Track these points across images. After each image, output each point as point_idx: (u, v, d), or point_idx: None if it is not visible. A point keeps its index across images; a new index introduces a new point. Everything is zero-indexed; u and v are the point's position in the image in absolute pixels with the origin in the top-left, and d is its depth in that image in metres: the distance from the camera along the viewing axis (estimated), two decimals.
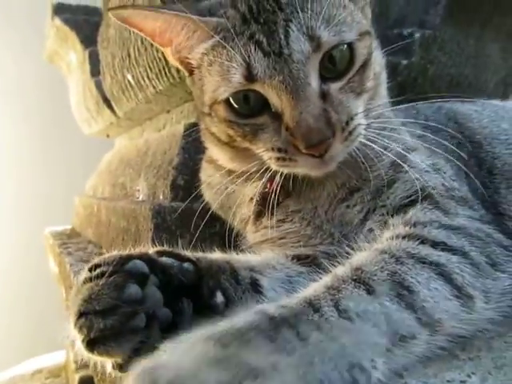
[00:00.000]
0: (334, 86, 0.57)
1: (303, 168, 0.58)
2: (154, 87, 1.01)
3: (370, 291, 0.42)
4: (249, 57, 0.55)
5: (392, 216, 0.58)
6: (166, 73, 0.92)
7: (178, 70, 0.88)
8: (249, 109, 0.58)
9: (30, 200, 2.62)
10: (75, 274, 0.94)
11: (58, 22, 1.56)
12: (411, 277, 0.44)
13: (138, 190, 1.08)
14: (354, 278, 0.44)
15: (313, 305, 0.40)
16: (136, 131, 1.50)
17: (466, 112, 0.80)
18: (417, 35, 1.13)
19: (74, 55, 1.71)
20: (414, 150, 0.65)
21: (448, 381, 0.41)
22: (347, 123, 0.56)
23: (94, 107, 1.57)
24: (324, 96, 0.56)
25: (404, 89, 1.05)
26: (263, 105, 0.57)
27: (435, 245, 0.49)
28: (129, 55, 1.05)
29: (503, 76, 1.40)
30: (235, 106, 0.58)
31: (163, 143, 1.04)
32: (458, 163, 0.64)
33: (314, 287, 0.44)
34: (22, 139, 2.68)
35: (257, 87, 0.56)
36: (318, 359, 0.36)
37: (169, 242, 0.83)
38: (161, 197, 0.90)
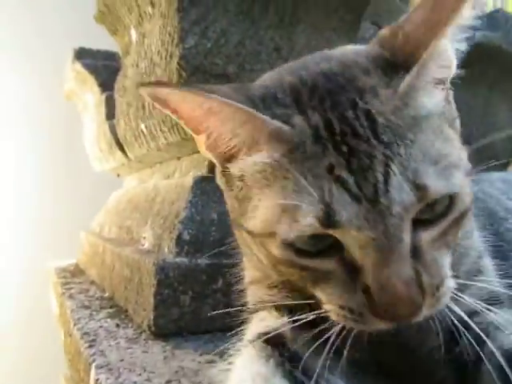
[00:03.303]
0: (426, 237, 0.44)
1: (376, 327, 0.45)
2: (165, 138, 1.04)
3: None
4: (329, 197, 0.41)
5: None
6: (177, 129, 0.94)
7: None
8: (313, 246, 0.44)
9: (35, 230, 2.64)
10: (75, 323, 0.94)
11: (78, 66, 1.63)
12: None
13: (144, 238, 1.08)
14: None
15: None
16: (146, 173, 1.52)
17: None
18: None
19: (91, 96, 1.77)
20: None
21: None
22: (437, 288, 0.43)
23: (106, 148, 1.61)
24: (415, 251, 0.43)
25: None
26: (333, 245, 0.44)
27: None
28: (143, 107, 1.08)
29: (510, 134, 1.43)
30: (296, 244, 0.44)
31: (171, 192, 1.06)
32: None
33: None
34: (30, 170, 2.73)
35: (334, 234, 0.43)
36: None
37: (171, 297, 0.83)
38: (165, 250, 0.90)
